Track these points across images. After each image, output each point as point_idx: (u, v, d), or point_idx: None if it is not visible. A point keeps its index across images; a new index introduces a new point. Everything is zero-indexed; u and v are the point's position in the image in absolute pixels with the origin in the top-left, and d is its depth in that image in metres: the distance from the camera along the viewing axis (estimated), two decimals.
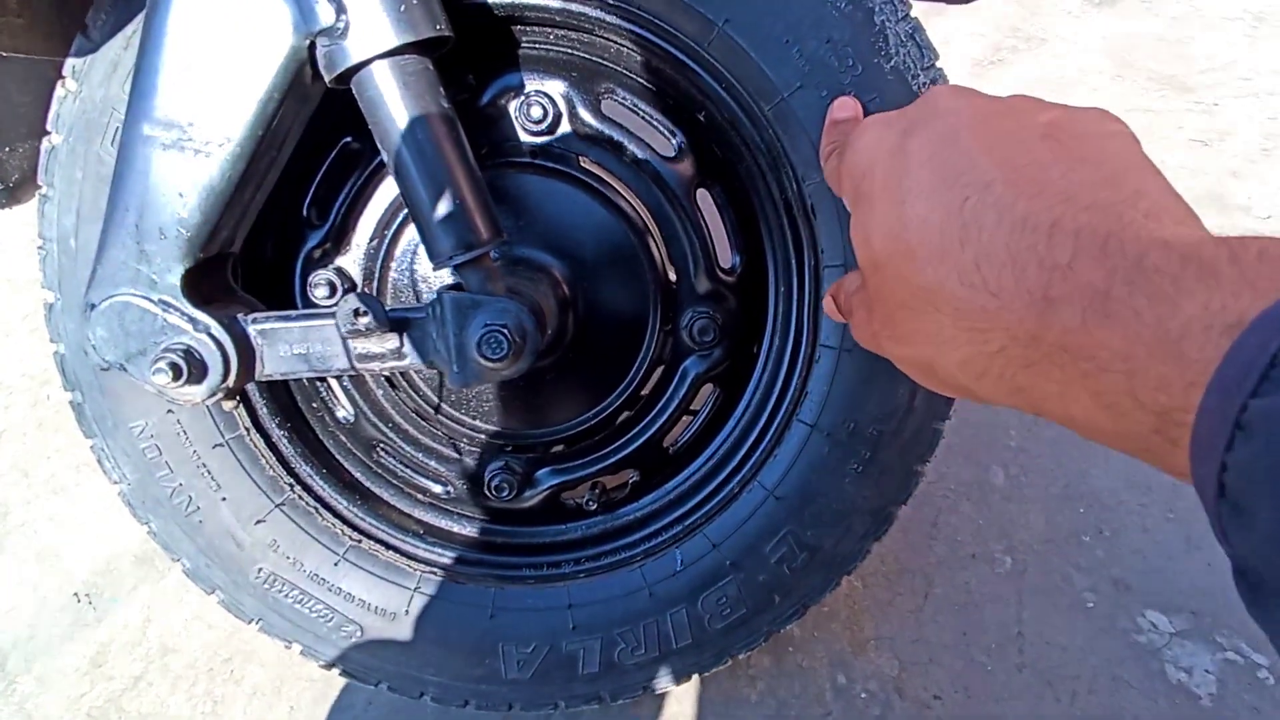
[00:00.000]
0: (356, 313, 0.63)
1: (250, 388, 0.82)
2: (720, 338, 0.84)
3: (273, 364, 0.68)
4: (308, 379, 0.88)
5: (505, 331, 0.64)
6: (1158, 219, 0.33)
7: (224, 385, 0.66)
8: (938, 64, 0.72)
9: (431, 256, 0.66)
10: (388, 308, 0.66)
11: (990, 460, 1.26)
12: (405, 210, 0.80)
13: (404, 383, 0.85)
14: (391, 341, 0.66)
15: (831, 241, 0.76)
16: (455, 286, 0.70)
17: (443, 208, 0.64)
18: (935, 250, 0.38)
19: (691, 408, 0.90)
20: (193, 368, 0.64)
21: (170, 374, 0.62)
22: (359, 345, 0.66)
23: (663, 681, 0.89)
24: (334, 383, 0.88)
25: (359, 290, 0.77)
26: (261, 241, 0.82)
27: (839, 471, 0.82)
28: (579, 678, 0.87)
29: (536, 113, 0.77)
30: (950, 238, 0.37)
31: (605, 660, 0.87)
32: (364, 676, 0.88)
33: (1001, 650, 1.02)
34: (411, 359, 0.68)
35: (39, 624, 1.15)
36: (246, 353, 0.67)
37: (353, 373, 0.68)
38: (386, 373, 0.69)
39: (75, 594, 1.18)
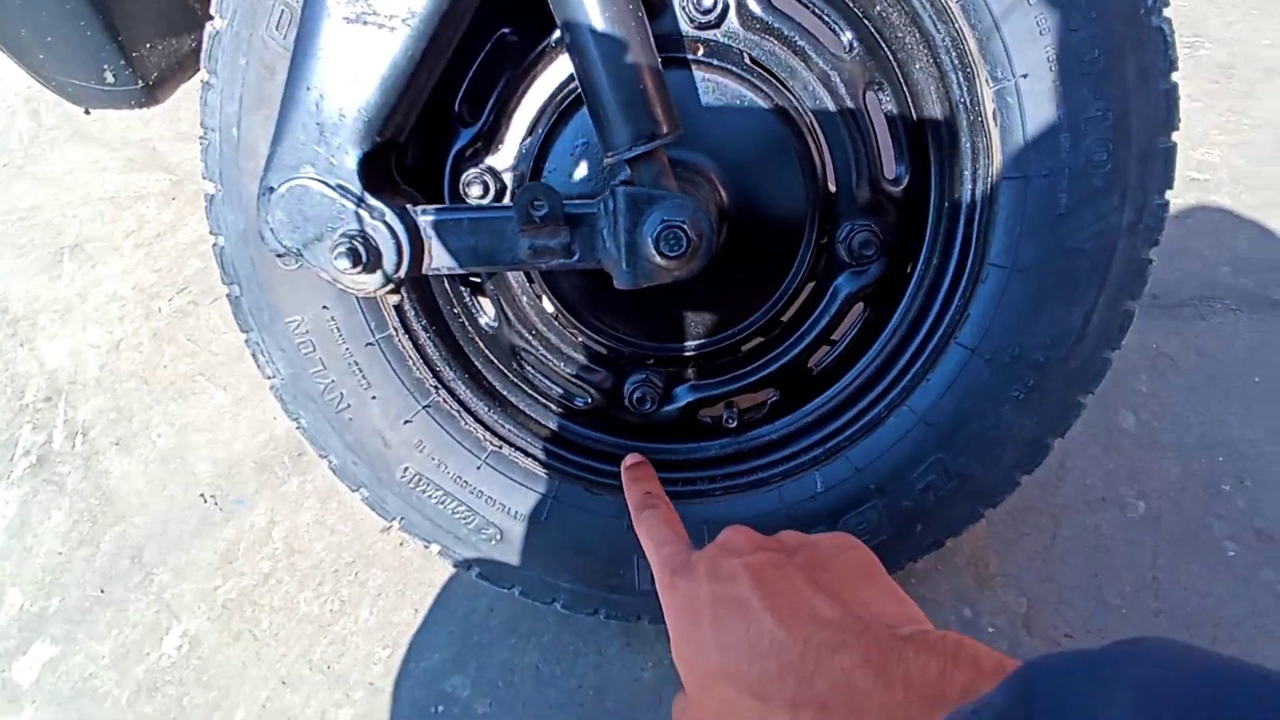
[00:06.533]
0: (534, 203, 0.61)
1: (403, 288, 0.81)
2: (879, 253, 0.80)
3: (441, 256, 0.67)
4: (452, 286, 0.87)
5: (683, 228, 0.62)
6: (879, 620, 0.43)
7: (396, 275, 0.65)
8: None
9: (607, 147, 0.64)
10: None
11: (1119, 404, 1.21)
12: (561, 108, 0.77)
13: (550, 290, 0.83)
14: (563, 236, 0.65)
15: (1012, 150, 0.72)
16: (625, 184, 0.67)
17: (625, 94, 0.61)
18: (732, 668, 0.46)
19: (839, 329, 0.87)
20: (369, 255, 0.63)
21: (350, 259, 0.62)
22: (531, 238, 0.65)
23: None
24: (478, 289, 0.87)
25: (529, 183, 0.75)
26: (412, 139, 0.81)
27: (997, 399, 0.79)
28: None
29: (706, 2, 0.73)
30: (741, 656, 0.46)
31: None
32: (498, 580, 0.89)
33: (1136, 595, 0.98)
34: (580, 256, 0.66)
35: (170, 521, 1.19)
36: (416, 243, 0.66)
37: (519, 269, 0.67)
38: (554, 269, 0.68)
39: (201, 495, 1.23)
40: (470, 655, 0.99)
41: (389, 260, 0.64)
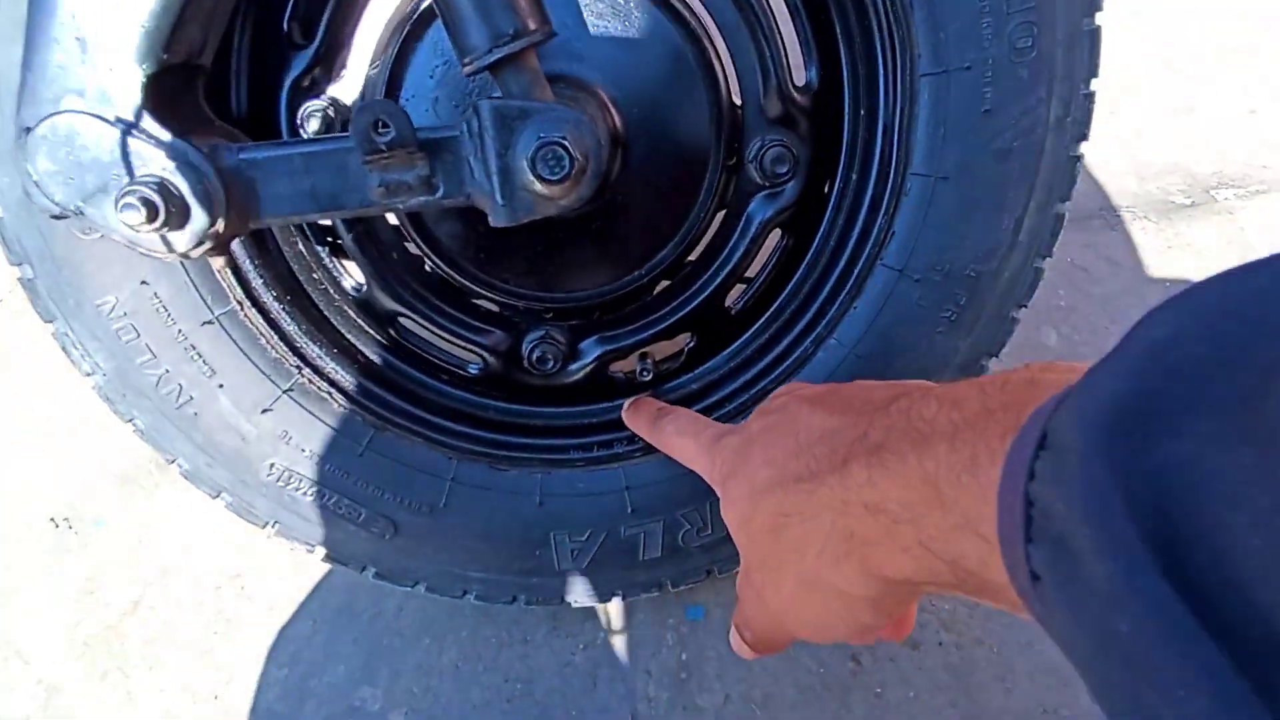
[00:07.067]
0: (377, 126, 0.50)
1: (241, 255, 0.68)
2: (794, 170, 0.72)
3: (272, 204, 0.54)
4: (307, 246, 0.74)
5: (564, 144, 0.51)
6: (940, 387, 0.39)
7: (212, 231, 0.52)
8: None
9: (464, 54, 0.52)
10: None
11: (1041, 321, 1.18)
12: (413, 20, 0.65)
13: (422, 240, 0.72)
14: (421, 166, 0.53)
15: (930, 43, 0.64)
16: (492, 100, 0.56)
17: None
18: (781, 472, 0.43)
19: (756, 260, 0.78)
20: (171, 206, 0.50)
21: (143, 212, 0.48)
22: (380, 172, 0.53)
23: (730, 563, 0.81)
24: (340, 249, 0.74)
25: (367, 101, 0.62)
26: (237, 71, 0.67)
27: (930, 321, 0.72)
28: (639, 564, 0.79)
29: None
30: (791, 457, 0.43)
31: (668, 544, 0.78)
32: (399, 578, 0.78)
33: None
34: (445, 190, 0.55)
35: (13, 556, 1.02)
36: (237, 190, 0.53)
37: (373, 212, 0.55)
38: (417, 210, 0.56)
39: (52, 519, 1.06)
40: (380, 663, 0.88)
41: (200, 212, 0.51)
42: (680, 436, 0.64)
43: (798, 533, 0.41)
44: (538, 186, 0.52)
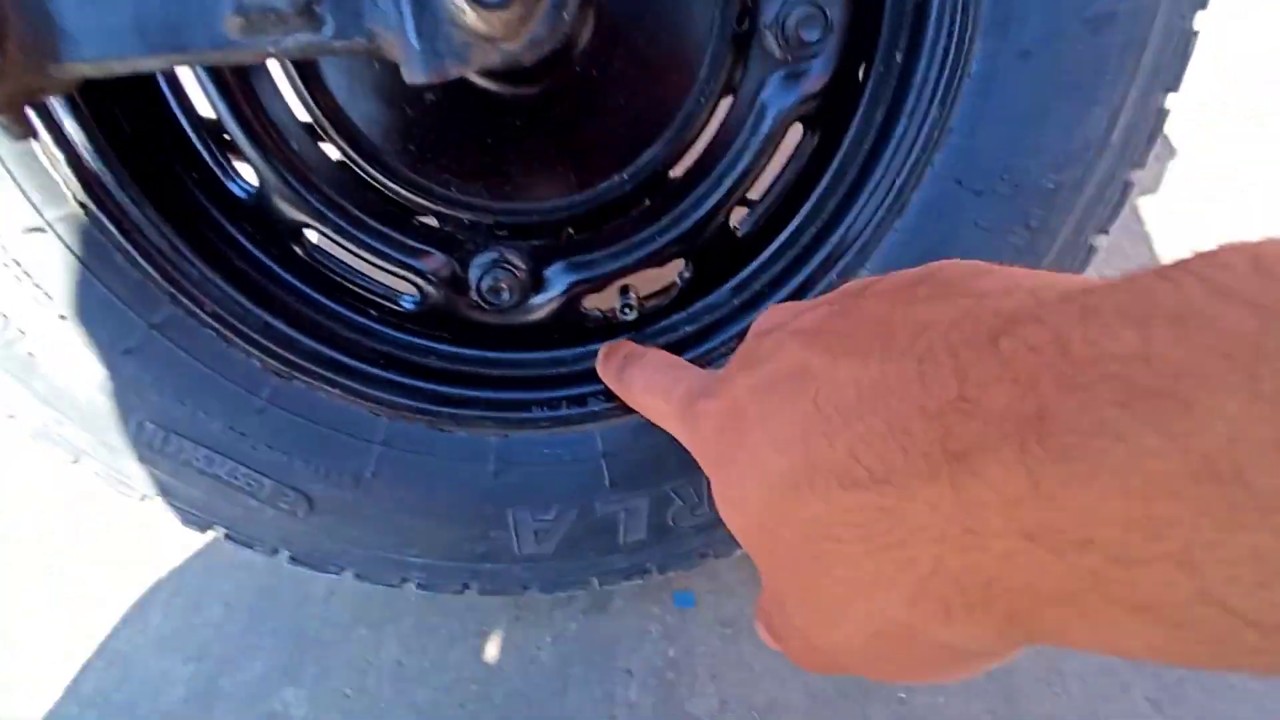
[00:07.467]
0: None
1: (79, 140, 0.50)
2: (824, 40, 0.55)
3: (83, 41, 0.37)
4: (176, 132, 0.56)
5: None
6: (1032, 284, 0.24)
7: None
8: None
9: None
10: None
11: None
12: None
13: (329, 120, 0.54)
14: None
15: None
16: None
17: None
18: (805, 463, 0.28)
19: (767, 167, 0.62)
20: None
21: None
22: None
23: (729, 545, 0.66)
24: (228, 143, 0.57)
25: None
26: None
27: (991, 248, 0.56)
28: (620, 548, 0.64)
29: None
30: (816, 438, 0.27)
31: (655, 524, 0.63)
32: (319, 564, 0.63)
33: None
34: (338, 29, 0.37)
35: (15, 555, 0.86)
36: (18, 17, 0.36)
37: (231, 57, 0.38)
38: (298, 58, 0.39)
39: (53, 519, 0.89)
40: (306, 658, 0.74)
41: None
42: (648, 395, 0.49)
43: (867, 569, 0.26)
44: (468, 15, 0.35)
